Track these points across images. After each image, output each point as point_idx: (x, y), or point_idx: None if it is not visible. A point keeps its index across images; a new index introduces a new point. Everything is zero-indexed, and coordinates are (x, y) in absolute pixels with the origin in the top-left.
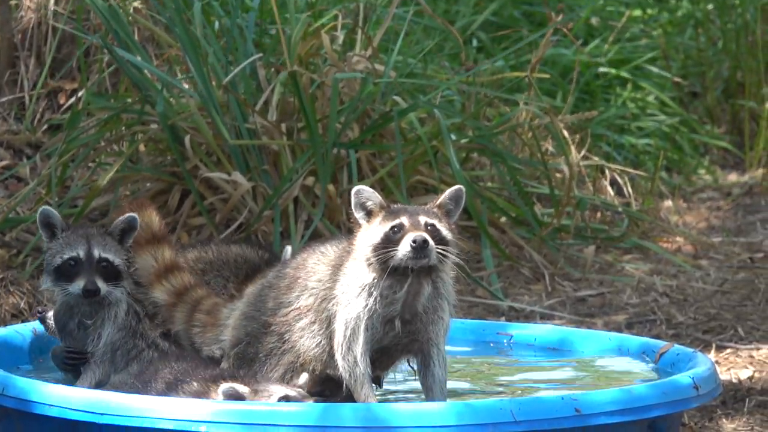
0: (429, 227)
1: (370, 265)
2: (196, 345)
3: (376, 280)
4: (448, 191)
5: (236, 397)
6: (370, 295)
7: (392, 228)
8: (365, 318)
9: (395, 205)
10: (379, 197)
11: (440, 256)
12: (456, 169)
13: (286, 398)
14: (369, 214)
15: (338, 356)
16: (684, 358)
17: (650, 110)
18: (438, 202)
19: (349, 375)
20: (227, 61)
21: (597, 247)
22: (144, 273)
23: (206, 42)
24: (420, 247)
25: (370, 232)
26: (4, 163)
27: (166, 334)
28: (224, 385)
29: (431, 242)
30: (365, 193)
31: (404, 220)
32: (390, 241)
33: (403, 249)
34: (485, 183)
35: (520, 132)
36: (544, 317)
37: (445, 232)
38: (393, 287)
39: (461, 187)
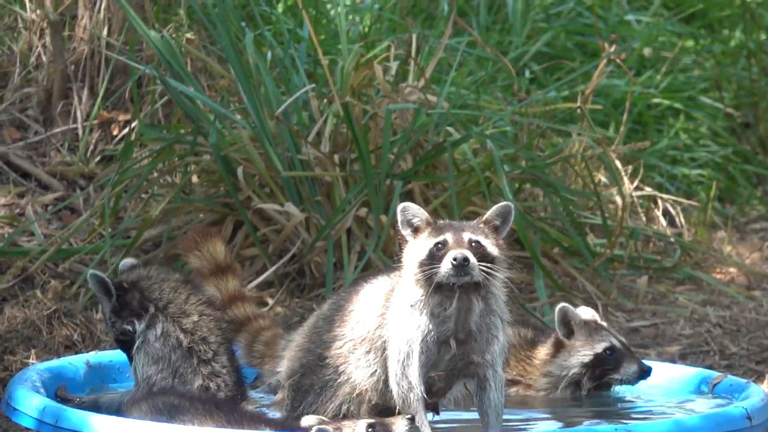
0: (473, 244)
1: (417, 281)
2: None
3: (423, 297)
4: (495, 207)
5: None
6: (420, 313)
7: (437, 244)
8: (419, 339)
9: (441, 221)
10: (426, 213)
11: (485, 272)
12: (509, 199)
13: (371, 426)
14: (416, 230)
15: (392, 382)
16: (737, 389)
17: (703, 141)
18: (484, 218)
19: (403, 401)
20: (280, 92)
21: (650, 277)
22: None
23: (259, 73)
24: (460, 265)
25: (416, 249)
26: (57, 194)
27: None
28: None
29: (472, 259)
30: (411, 209)
31: (448, 236)
32: (434, 257)
33: (445, 266)
34: (538, 214)
35: (572, 163)
36: None
37: (491, 248)
38: (443, 304)
39: (509, 203)
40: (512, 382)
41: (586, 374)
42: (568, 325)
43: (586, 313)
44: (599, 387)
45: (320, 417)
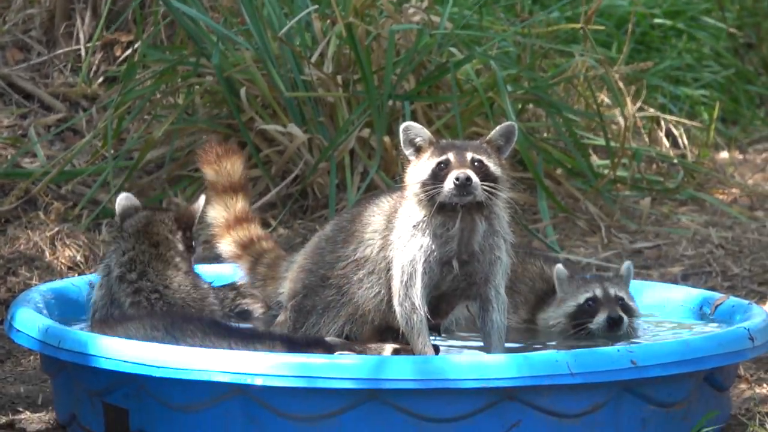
0: (476, 163)
1: (419, 202)
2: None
3: (426, 218)
4: (499, 127)
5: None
6: (423, 233)
7: (439, 164)
8: (422, 260)
9: (444, 141)
10: (428, 133)
11: (488, 192)
12: (512, 119)
13: (396, 352)
14: (418, 150)
15: (395, 302)
16: (739, 310)
17: (705, 61)
18: (488, 138)
19: (407, 322)
20: (283, 13)
21: (653, 198)
22: (215, 222)
23: None
24: (463, 185)
25: (419, 168)
26: (60, 115)
27: None
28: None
29: (475, 179)
30: (414, 129)
31: (451, 156)
32: (437, 177)
33: (448, 186)
34: (541, 134)
35: (575, 83)
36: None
37: (494, 168)
38: (445, 224)
39: (512, 123)
40: (527, 321)
41: (569, 322)
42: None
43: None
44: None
45: (344, 340)
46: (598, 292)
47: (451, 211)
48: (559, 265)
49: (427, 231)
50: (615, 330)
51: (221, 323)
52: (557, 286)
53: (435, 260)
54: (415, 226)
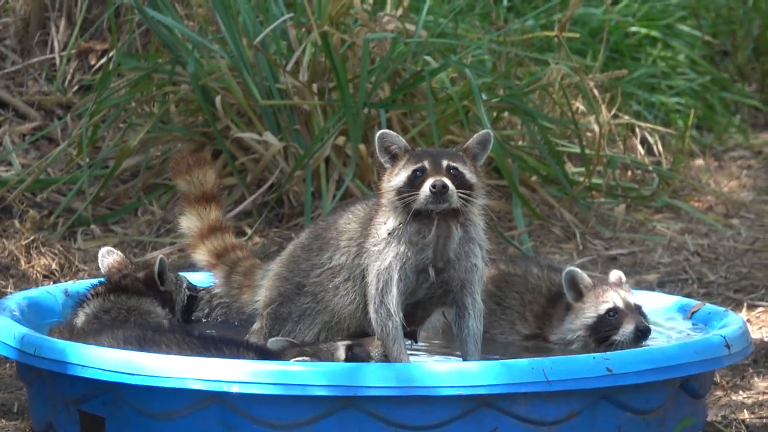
0: (451, 170)
1: (395, 209)
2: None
3: (402, 225)
4: (476, 135)
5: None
6: (399, 241)
7: (415, 171)
8: (397, 267)
9: (419, 148)
10: (404, 141)
11: (463, 199)
12: (487, 127)
13: (349, 348)
14: (394, 158)
15: (371, 309)
16: (715, 317)
17: (681, 69)
18: (465, 146)
19: (382, 329)
20: (258, 21)
21: (628, 206)
22: (189, 232)
23: (236, 1)
24: (439, 192)
25: (394, 176)
26: (35, 124)
27: None
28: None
29: (451, 186)
30: (389, 136)
31: (426, 163)
32: (412, 184)
33: (424, 193)
34: (516, 142)
35: (550, 91)
36: None
37: (469, 176)
38: (421, 232)
39: (489, 131)
40: (532, 336)
41: (591, 335)
42: (576, 288)
43: (614, 275)
44: (610, 346)
45: (289, 339)
46: (618, 302)
47: (426, 219)
48: (575, 269)
49: (403, 238)
50: (642, 340)
51: (193, 333)
52: (566, 290)
53: (410, 267)
54: (390, 233)
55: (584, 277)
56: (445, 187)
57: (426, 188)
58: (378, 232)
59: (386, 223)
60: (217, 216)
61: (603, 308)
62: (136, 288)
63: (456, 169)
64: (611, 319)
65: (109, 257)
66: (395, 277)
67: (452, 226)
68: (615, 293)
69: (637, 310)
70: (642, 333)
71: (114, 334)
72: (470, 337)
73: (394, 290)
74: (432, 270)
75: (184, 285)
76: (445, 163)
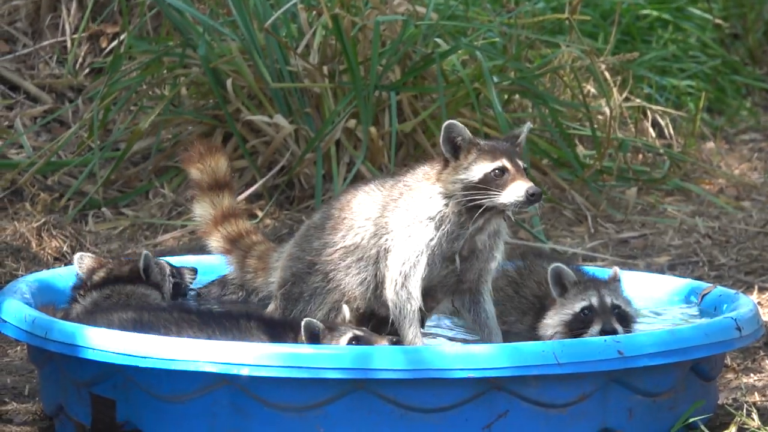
0: (525, 170)
1: (453, 199)
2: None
3: (449, 215)
4: (524, 130)
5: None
6: (437, 227)
7: (494, 170)
8: (427, 252)
9: (484, 142)
10: (469, 133)
11: None
12: (498, 111)
13: (355, 338)
14: (456, 149)
15: (389, 290)
16: (726, 300)
17: (692, 52)
18: (519, 140)
19: (400, 311)
20: (269, 4)
21: (639, 188)
22: (202, 219)
23: None
24: (537, 199)
25: (465, 170)
26: (46, 107)
27: None
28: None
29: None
30: (456, 128)
31: (506, 162)
32: (490, 182)
33: (514, 196)
34: None
35: (561, 74)
36: (587, 259)
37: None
38: (464, 224)
39: (529, 124)
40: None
41: (567, 332)
42: (561, 284)
43: (611, 272)
44: None
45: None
46: (594, 301)
47: (473, 212)
48: (560, 265)
49: (442, 226)
50: None
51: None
52: (551, 286)
53: (439, 255)
54: (430, 218)
55: (570, 273)
56: (541, 194)
57: (520, 192)
58: (411, 214)
59: (425, 207)
60: (230, 202)
61: (579, 306)
62: (132, 277)
63: (526, 168)
64: (584, 317)
65: (84, 261)
66: (423, 261)
67: (493, 221)
68: (595, 291)
69: (614, 310)
70: (606, 334)
71: (109, 318)
72: (490, 319)
73: (419, 274)
74: (458, 258)
75: (167, 272)
76: (521, 164)
